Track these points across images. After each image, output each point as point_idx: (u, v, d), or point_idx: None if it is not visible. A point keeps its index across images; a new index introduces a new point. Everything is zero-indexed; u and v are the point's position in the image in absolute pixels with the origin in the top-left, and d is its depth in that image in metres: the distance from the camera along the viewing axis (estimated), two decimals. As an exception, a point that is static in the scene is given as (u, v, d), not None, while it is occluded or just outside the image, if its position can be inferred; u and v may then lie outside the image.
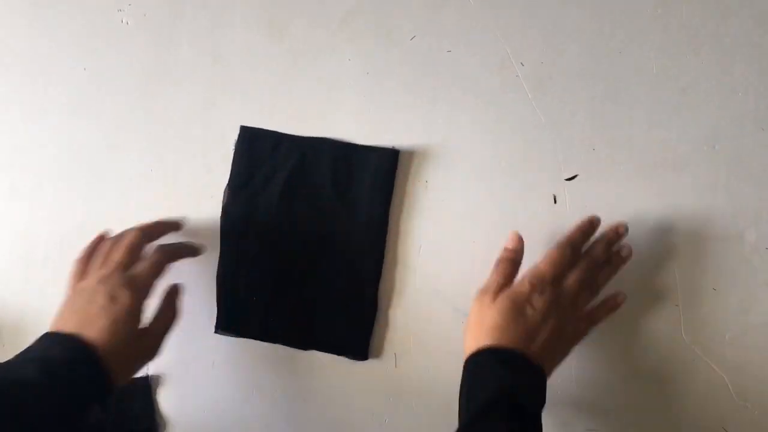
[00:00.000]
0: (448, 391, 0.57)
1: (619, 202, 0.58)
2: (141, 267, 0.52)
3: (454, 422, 0.54)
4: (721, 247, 0.57)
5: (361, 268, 0.58)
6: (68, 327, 0.48)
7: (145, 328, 0.52)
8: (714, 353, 0.57)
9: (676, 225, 0.57)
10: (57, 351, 0.46)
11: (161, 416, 0.61)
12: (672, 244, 0.57)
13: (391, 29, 0.59)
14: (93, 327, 0.48)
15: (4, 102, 0.62)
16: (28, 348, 0.47)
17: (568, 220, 0.58)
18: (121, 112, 0.60)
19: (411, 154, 0.59)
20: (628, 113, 0.57)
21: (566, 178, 0.58)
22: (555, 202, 0.58)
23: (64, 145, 0.61)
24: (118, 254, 0.52)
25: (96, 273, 0.51)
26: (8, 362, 0.46)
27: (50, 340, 0.48)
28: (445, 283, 0.58)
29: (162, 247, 0.55)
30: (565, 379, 0.58)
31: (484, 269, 0.58)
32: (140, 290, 0.51)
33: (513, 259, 0.54)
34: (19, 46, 0.62)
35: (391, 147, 0.58)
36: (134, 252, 0.53)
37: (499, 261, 0.54)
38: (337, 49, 0.59)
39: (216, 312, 0.60)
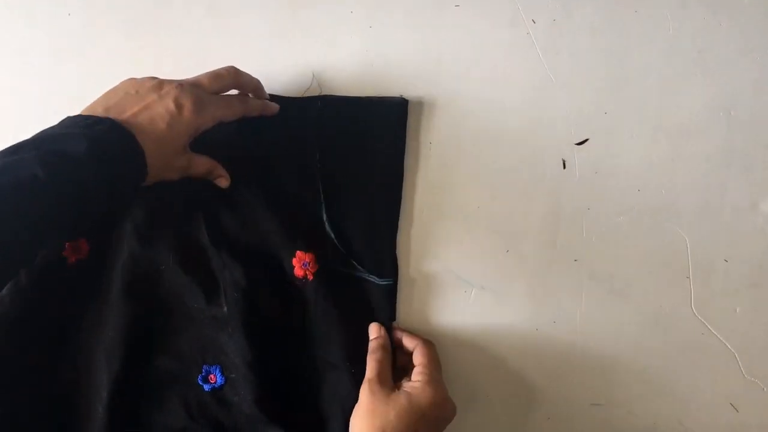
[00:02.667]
0: (445, 357, 0.55)
1: (631, 168, 0.55)
2: (218, 98, 0.49)
3: (451, 388, 0.52)
4: (734, 217, 0.55)
5: (377, 229, 0.55)
6: (124, 116, 0.45)
7: (189, 153, 0.49)
8: (724, 327, 0.55)
9: (689, 193, 0.55)
10: (108, 137, 0.43)
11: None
12: (684, 213, 0.55)
13: (397, -19, 0.56)
14: (148, 126, 0.45)
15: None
16: (76, 123, 0.44)
17: (577, 186, 0.55)
18: (108, 61, 0.57)
19: (415, 113, 0.56)
20: (642, 76, 0.55)
21: (576, 142, 0.56)
22: (564, 167, 0.56)
23: (47, 95, 0.57)
24: (203, 75, 0.50)
25: (173, 81, 0.48)
26: (53, 133, 0.43)
27: (104, 125, 0.44)
28: (447, 249, 0.56)
29: (246, 97, 0.53)
30: (570, 352, 0.56)
31: (488, 236, 0.56)
32: (204, 115, 0.48)
33: (385, 345, 0.52)
34: (-2, -10, 0.58)
35: (399, 96, 0.55)
36: (220, 80, 0.50)
37: (373, 350, 0.52)
38: (339, 0, 0.56)
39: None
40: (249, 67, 0.55)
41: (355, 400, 0.50)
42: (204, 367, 0.53)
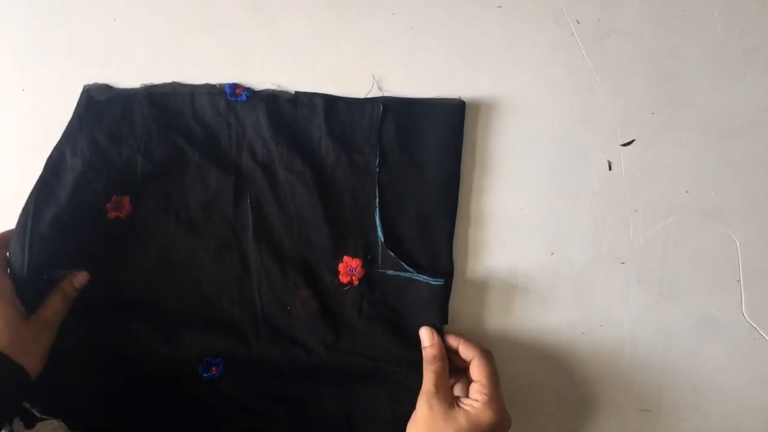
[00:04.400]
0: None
1: (678, 169, 0.54)
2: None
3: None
4: (786, 219, 0.54)
5: (433, 230, 0.54)
6: None
7: (35, 315, 0.50)
8: (776, 331, 0.54)
9: (738, 194, 0.54)
10: None
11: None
12: (733, 215, 0.54)
13: (439, -18, 0.56)
14: None
15: (35, 49, 0.58)
16: None
17: (623, 188, 0.54)
18: (151, 62, 0.57)
19: (457, 115, 0.55)
20: (690, 75, 0.54)
21: (622, 143, 0.55)
22: (610, 168, 0.55)
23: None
24: None
25: None
26: None
27: None
28: (490, 251, 0.55)
29: None
30: (617, 357, 0.55)
31: (533, 238, 0.55)
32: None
33: (442, 354, 0.51)
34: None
35: (457, 98, 0.54)
36: None
37: (429, 360, 0.51)
38: (380, 3, 0.56)
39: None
40: (291, 70, 0.56)
41: (405, 403, 0.50)
42: (206, 359, 0.52)
